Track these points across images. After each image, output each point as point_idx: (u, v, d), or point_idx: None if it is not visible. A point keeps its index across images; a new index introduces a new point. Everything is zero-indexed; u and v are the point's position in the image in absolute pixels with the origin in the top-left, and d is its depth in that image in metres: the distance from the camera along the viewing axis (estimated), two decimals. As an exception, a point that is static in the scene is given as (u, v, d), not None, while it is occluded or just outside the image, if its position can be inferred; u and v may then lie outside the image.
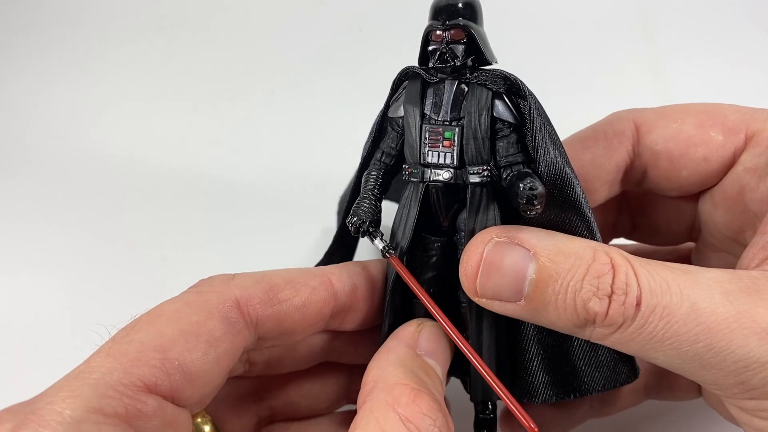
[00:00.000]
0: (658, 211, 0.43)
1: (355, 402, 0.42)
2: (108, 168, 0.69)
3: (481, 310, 0.35)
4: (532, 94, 0.33)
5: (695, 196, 0.41)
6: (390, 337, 0.35)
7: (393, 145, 0.36)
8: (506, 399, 0.30)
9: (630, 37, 0.76)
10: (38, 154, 0.71)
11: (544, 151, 0.33)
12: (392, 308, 0.36)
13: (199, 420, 0.33)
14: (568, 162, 0.34)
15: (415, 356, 0.33)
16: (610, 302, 0.29)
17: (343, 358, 0.40)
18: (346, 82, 0.75)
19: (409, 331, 0.34)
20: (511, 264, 0.30)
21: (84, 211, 0.65)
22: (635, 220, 0.44)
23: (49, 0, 0.83)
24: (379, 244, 0.34)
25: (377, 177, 0.35)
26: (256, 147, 0.71)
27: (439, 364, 0.33)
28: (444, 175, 0.34)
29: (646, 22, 0.77)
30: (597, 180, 0.38)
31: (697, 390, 0.42)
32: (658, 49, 0.75)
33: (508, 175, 0.33)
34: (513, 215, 0.37)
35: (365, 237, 0.34)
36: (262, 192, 0.67)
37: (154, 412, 0.27)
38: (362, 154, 0.38)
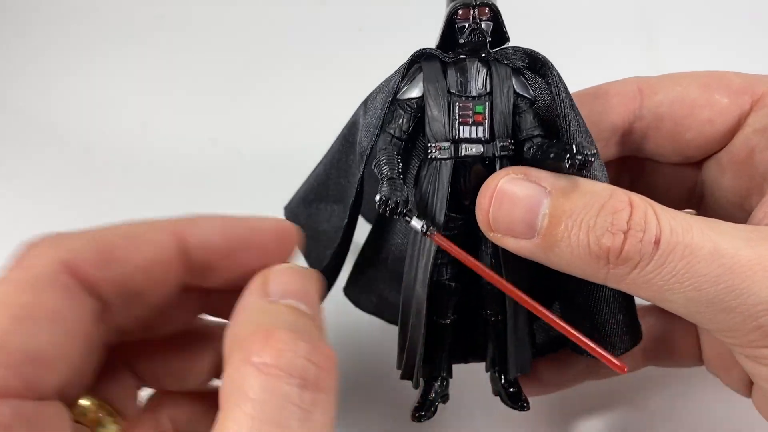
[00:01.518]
0: (658, 176, 0.42)
1: None
2: (108, 166, 0.69)
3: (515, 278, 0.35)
4: (557, 71, 0.34)
5: (698, 162, 0.40)
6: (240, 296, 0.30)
7: (405, 127, 0.35)
8: (589, 343, 0.30)
9: (629, 37, 0.76)
10: (38, 152, 0.71)
11: (576, 127, 0.33)
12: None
13: (81, 402, 0.31)
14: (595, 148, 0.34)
15: (267, 304, 0.29)
16: (625, 238, 0.28)
17: (223, 314, 0.35)
18: (346, 82, 0.75)
19: (255, 283, 0.30)
20: (525, 197, 0.30)
21: (84, 210, 0.65)
22: (634, 184, 0.44)
23: (47, 1, 0.83)
24: (418, 224, 0.33)
25: (390, 159, 0.34)
26: (256, 146, 0.71)
27: (303, 301, 0.29)
28: (476, 149, 0.34)
29: (646, 21, 0.77)
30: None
31: (697, 355, 0.41)
32: (658, 48, 0.75)
33: (531, 147, 0.34)
34: None
35: (400, 218, 0.33)
36: (262, 192, 0.67)
37: (12, 419, 0.24)
38: (360, 151, 0.36)
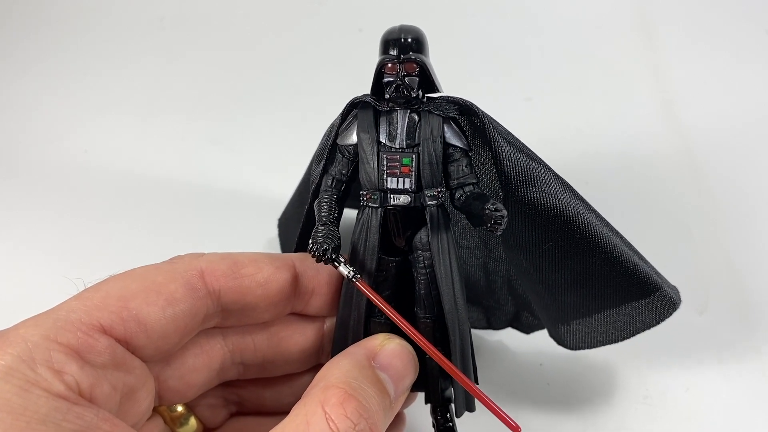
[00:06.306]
0: None
1: None
2: (108, 168, 0.69)
3: (445, 324, 0.37)
4: (483, 112, 0.35)
5: None
6: (354, 344, 0.36)
7: (344, 171, 0.37)
8: (489, 403, 0.33)
9: (629, 37, 0.76)
10: (38, 155, 0.71)
11: (507, 149, 0.35)
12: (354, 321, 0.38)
13: (176, 406, 0.38)
14: (539, 161, 0.37)
15: (367, 367, 0.34)
16: None
17: None
18: (346, 83, 0.75)
19: (372, 343, 0.36)
20: None
21: (84, 212, 0.65)
22: None
23: (48, 2, 0.83)
24: (344, 270, 0.35)
25: (330, 203, 0.37)
26: (257, 147, 0.71)
27: (392, 380, 0.35)
28: (403, 199, 0.36)
29: (646, 22, 0.77)
30: None
31: None
32: (658, 48, 0.75)
33: (461, 195, 0.36)
34: (461, 231, 0.42)
35: (328, 264, 0.35)
36: (263, 193, 0.67)
37: (104, 349, 0.30)
38: (311, 179, 0.39)
